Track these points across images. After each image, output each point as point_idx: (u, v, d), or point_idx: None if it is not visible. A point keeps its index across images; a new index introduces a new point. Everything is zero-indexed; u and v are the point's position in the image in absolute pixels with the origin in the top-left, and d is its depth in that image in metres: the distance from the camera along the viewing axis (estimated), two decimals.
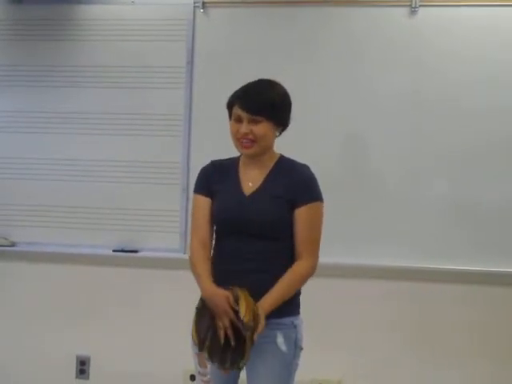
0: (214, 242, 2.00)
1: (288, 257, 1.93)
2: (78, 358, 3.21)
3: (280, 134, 1.98)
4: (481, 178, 2.88)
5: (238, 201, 1.92)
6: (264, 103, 1.87)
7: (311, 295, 2.87)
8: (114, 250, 3.06)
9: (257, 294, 1.82)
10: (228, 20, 3.06)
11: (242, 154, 1.99)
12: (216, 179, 1.99)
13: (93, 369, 3.20)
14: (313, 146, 2.90)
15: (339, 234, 2.87)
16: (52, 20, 3.14)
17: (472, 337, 2.94)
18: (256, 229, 1.89)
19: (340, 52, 2.98)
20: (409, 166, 2.94)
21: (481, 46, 2.89)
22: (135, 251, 3.04)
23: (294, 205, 1.89)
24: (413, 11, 2.92)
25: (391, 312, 2.97)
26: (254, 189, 1.94)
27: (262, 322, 1.77)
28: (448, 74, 2.90)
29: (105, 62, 3.11)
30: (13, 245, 3.16)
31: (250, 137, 1.88)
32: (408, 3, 2.91)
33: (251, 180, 1.95)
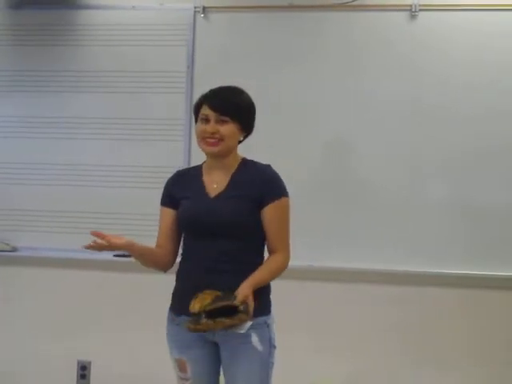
0: (182, 248, 2.03)
1: (254, 256, 1.95)
2: (78, 362, 3.21)
3: (243, 139, 2.02)
4: (481, 182, 2.88)
5: (204, 203, 1.95)
6: (231, 105, 1.94)
7: (311, 299, 2.88)
8: (115, 255, 3.05)
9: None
10: (228, 25, 3.07)
11: (205, 161, 2.03)
12: (178, 189, 2.03)
13: (94, 374, 3.20)
14: (312, 152, 2.88)
15: (339, 238, 2.88)
16: (52, 25, 3.15)
17: (473, 341, 2.94)
18: (223, 229, 1.90)
19: (340, 56, 2.98)
20: (409, 171, 2.94)
21: (481, 50, 2.89)
22: None
23: (261, 204, 1.92)
24: (413, 16, 2.92)
25: (391, 316, 2.96)
26: (219, 190, 1.96)
27: (242, 297, 1.78)
28: (448, 78, 2.90)
29: (105, 67, 3.11)
30: (14, 250, 3.17)
31: (217, 136, 1.93)
32: (408, 8, 2.92)
33: (216, 182, 1.98)
